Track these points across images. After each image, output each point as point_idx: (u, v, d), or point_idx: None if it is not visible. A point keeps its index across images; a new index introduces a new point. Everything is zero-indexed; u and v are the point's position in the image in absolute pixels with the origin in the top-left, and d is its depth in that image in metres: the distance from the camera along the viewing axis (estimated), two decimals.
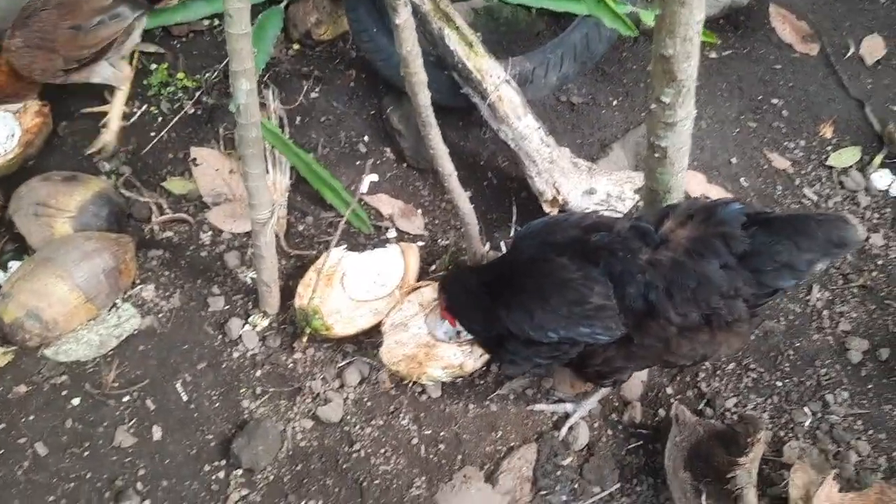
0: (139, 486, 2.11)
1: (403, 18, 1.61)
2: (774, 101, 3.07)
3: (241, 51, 1.84)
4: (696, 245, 1.69)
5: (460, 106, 2.75)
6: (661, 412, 2.30)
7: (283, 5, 3.09)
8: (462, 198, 2.15)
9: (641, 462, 2.20)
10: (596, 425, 2.26)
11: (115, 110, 2.83)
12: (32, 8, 2.55)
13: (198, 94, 3.04)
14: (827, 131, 2.97)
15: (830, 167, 2.87)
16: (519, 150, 2.50)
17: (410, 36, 1.66)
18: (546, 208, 2.47)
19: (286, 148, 2.72)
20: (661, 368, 2.27)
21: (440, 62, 2.70)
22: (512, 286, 1.90)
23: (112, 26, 2.59)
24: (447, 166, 2.01)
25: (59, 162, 2.87)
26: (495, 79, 2.52)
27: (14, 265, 2.56)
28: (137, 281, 2.53)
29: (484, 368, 2.33)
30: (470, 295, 2.00)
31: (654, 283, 1.71)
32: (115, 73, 2.75)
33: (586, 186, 2.44)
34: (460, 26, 2.58)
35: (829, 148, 2.92)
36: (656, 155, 1.83)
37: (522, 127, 2.50)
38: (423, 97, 1.81)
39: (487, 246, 2.48)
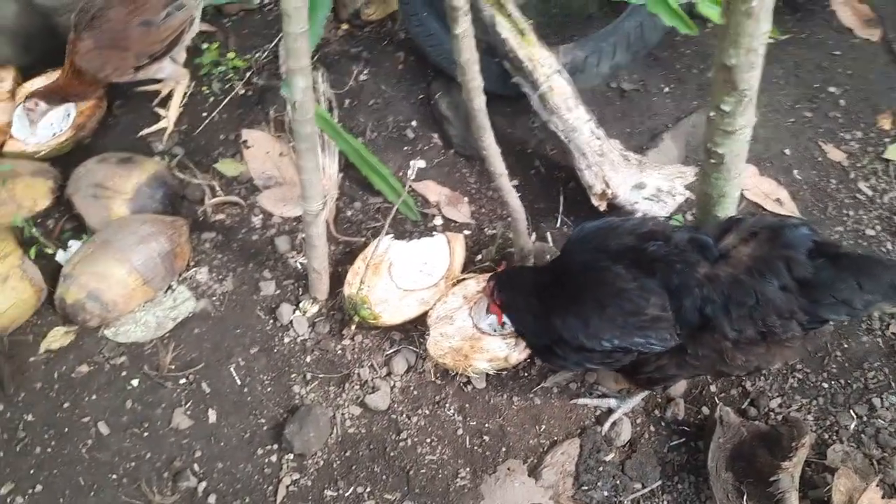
0: (196, 467, 2.20)
1: (463, 28, 1.61)
2: (832, 89, 2.99)
3: (298, 49, 1.85)
4: (758, 264, 1.68)
5: (509, 94, 2.73)
6: (705, 410, 2.31)
7: None
8: (512, 194, 2.16)
9: (683, 460, 2.22)
10: (639, 421, 2.28)
11: (175, 101, 2.88)
12: (95, 8, 2.54)
13: (248, 74, 3.07)
14: (885, 122, 2.89)
15: (887, 160, 2.79)
16: (569, 141, 2.49)
17: (469, 44, 1.65)
18: (595, 201, 2.46)
19: (336, 133, 2.73)
20: (715, 377, 2.28)
21: (490, 49, 2.67)
22: (567, 293, 1.91)
23: (180, 16, 2.60)
24: (499, 166, 2.02)
25: (114, 141, 2.94)
26: (547, 69, 2.49)
27: (73, 244, 2.65)
28: (192, 264, 2.60)
29: (528, 360, 2.36)
30: (523, 299, 2.02)
31: (712, 297, 1.72)
32: (177, 68, 2.78)
33: (636, 180, 2.42)
34: (512, 13, 2.55)
35: (887, 140, 2.84)
36: (712, 161, 1.81)
37: (573, 119, 2.48)
38: (479, 102, 1.81)
39: (534, 237, 2.48)
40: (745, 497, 2.10)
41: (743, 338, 1.77)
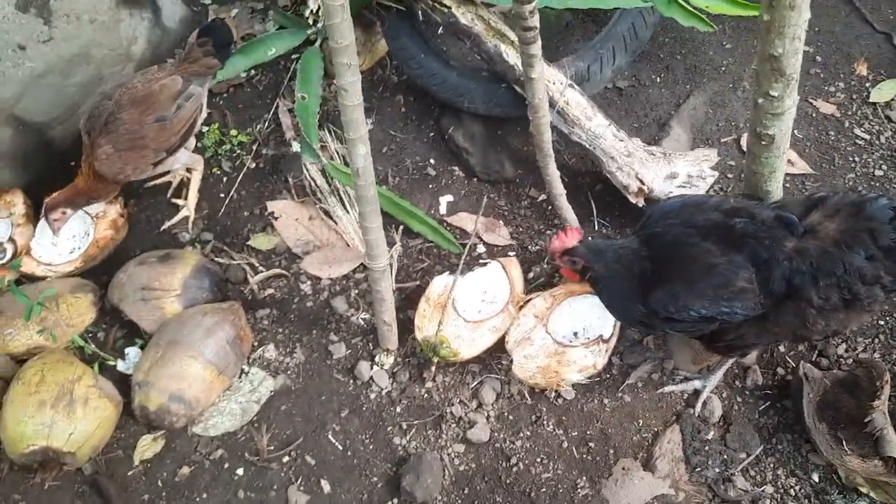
0: None
1: (538, 72, 1.70)
2: (806, 48, 3.15)
3: (356, 120, 1.91)
4: (844, 237, 1.83)
5: (520, 115, 2.83)
6: (780, 371, 2.44)
7: (317, 45, 3.14)
8: (569, 211, 2.27)
9: (775, 422, 2.35)
10: (724, 395, 2.40)
11: (193, 187, 2.89)
12: (107, 112, 2.54)
13: (255, 147, 3.09)
14: (862, 69, 3.09)
15: (874, 103, 2.99)
16: (594, 148, 2.60)
17: (542, 86, 1.75)
18: (632, 199, 2.57)
19: None
20: (791, 342, 2.40)
21: (496, 77, 2.78)
22: (657, 267, 2.01)
23: (190, 106, 2.62)
24: (558, 188, 2.12)
25: (139, 240, 2.93)
26: (559, 85, 2.60)
27: (130, 351, 2.64)
28: (256, 343, 2.62)
29: (607, 362, 2.45)
30: (614, 271, 2.09)
31: (801, 269, 1.84)
32: (191, 155, 2.80)
33: (667, 171, 2.55)
34: (515, 41, 2.65)
35: (868, 85, 3.04)
36: (763, 142, 1.94)
37: (594, 126, 2.59)
38: (548, 136, 1.91)
39: None
40: (843, 442, 2.23)
41: (828, 305, 1.90)
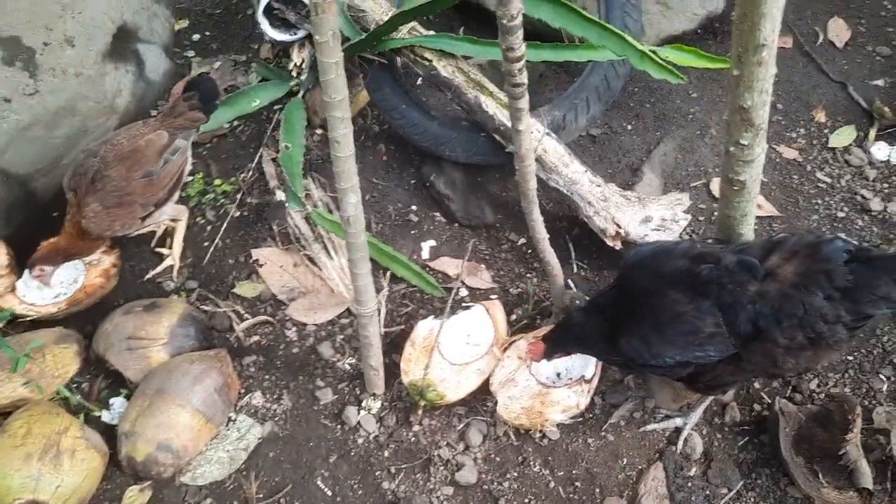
0: None
1: (525, 125, 1.79)
2: None
3: (347, 170, 1.98)
4: (802, 279, 1.92)
5: (499, 162, 2.94)
6: (757, 407, 2.52)
7: (300, 96, 3.23)
8: (552, 255, 2.34)
9: (754, 456, 2.42)
10: (705, 432, 2.46)
11: (178, 237, 2.93)
12: (93, 170, 2.56)
13: (239, 196, 3.15)
14: (820, 116, 3.26)
15: (833, 148, 3.15)
16: (572, 194, 2.70)
17: (528, 137, 1.84)
18: (609, 242, 2.67)
19: None
20: (766, 379, 2.49)
21: (475, 126, 2.88)
22: (629, 317, 2.09)
23: (177, 160, 2.67)
24: (541, 232, 2.20)
25: (122, 289, 2.94)
26: (537, 133, 2.71)
27: (115, 401, 2.63)
28: (242, 391, 2.64)
29: (590, 402, 2.51)
30: (589, 327, 2.18)
31: (764, 311, 1.93)
32: (175, 206, 2.84)
33: (642, 215, 2.65)
34: (494, 92, 2.77)
35: (827, 131, 3.21)
36: (735, 188, 2.04)
37: (571, 173, 2.69)
38: (533, 182, 1.99)
39: (571, 292, 2.65)
40: (819, 475, 2.30)
41: (794, 344, 1.99)
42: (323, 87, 1.84)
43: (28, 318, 2.77)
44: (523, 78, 1.65)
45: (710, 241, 2.25)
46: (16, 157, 2.95)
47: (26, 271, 2.70)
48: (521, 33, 1.59)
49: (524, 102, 1.73)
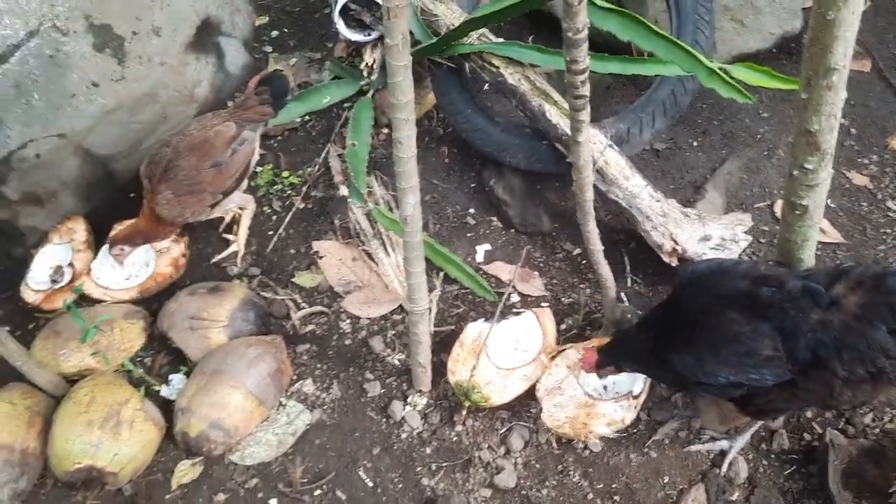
0: None
1: (585, 137, 1.81)
2: (841, 120, 3.25)
3: (408, 171, 2.03)
4: (865, 311, 1.88)
5: (559, 171, 2.95)
6: (807, 436, 2.47)
7: (370, 95, 3.31)
8: (605, 267, 2.34)
9: (800, 486, 2.37)
10: (750, 457, 2.43)
11: (244, 225, 3.03)
12: (165, 160, 2.70)
13: (304, 189, 3.24)
14: (895, 143, 3.16)
15: None
16: (631, 207, 2.69)
17: (587, 149, 1.86)
18: (666, 259, 2.65)
19: None
20: (820, 409, 2.44)
21: (537, 134, 2.90)
22: (684, 335, 2.08)
23: (244, 151, 2.78)
24: (596, 244, 2.21)
25: (190, 271, 3.06)
26: (599, 145, 2.71)
27: (174, 378, 2.75)
28: (294, 377, 2.72)
29: (635, 418, 2.50)
30: (641, 343, 2.19)
31: (825, 340, 1.90)
32: (243, 195, 2.95)
33: (701, 233, 2.63)
34: (558, 101, 2.78)
35: None
36: (797, 212, 2.02)
37: (632, 186, 2.69)
38: (590, 194, 2.01)
39: (623, 306, 2.65)
40: None
41: (853, 377, 1.94)
42: (390, 88, 1.89)
43: (102, 303, 2.91)
44: (585, 90, 1.67)
45: (771, 263, 2.22)
46: (99, 139, 3.10)
47: (101, 252, 2.84)
48: (585, 46, 1.61)
49: (585, 115, 1.75)
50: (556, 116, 2.75)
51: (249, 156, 2.83)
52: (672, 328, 2.15)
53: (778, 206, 2.99)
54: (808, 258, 2.19)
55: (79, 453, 2.35)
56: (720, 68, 2.41)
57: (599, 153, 2.70)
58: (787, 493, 2.36)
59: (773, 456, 2.43)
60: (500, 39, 2.90)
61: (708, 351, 2.05)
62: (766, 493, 2.34)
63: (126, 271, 2.96)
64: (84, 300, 2.91)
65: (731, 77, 2.39)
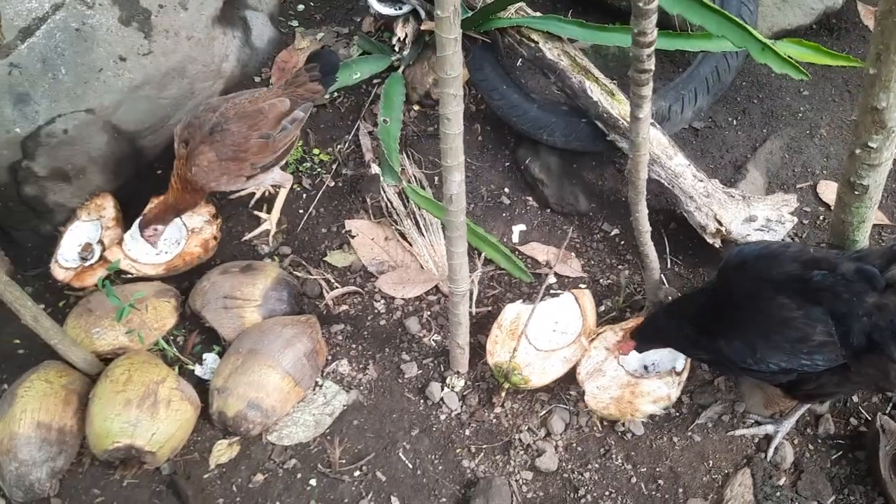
0: None
1: (645, 112, 1.75)
2: None
3: (455, 148, 1.98)
4: None
5: (598, 150, 2.89)
6: (853, 421, 2.42)
7: (400, 71, 3.24)
8: (651, 248, 2.29)
9: (847, 472, 2.33)
10: (796, 442, 2.39)
11: (278, 203, 2.98)
12: (210, 123, 2.62)
13: (335, 166, 3.19)
14: None
15: None
16: (673, 187, 2.63)
17: (646, 125, 1.80)
18: (709, 240, 2.59)
19: (440, 210, 2.86)
20: (873, 392, 2.39)
21: (576, 111, 2.84)
22: (732, 320, 2.04)
23: (293, 130, 2.71)
24: (645, 224, 2.16)
25: (218, 250, 3.02)
26: None
27: (208, 357, 2.72)
28: (329, 358, 2.68)
29: (677, 400, 2.46)
30: (683, 325, 2.14)
31: (880, 324, 1.85)
32: (282, 173, 2.89)
33: (746, 214, 2.57)
34: (599, 78, 2.71)
35: None
36: (856, 192, 1.96)
37: (674, 165, 2.62)
38: (644, 172, 1.95)
39: (665, 288, 2.60)
40: None
41: None
42: (439, 63, 1.83)
43: (126, 275, 2.87)
44: (650, 64, 1.61)
45: (822, 245, 2.16)
46: (127, 115, 3.05)
47: (135, 225, 2.80)
48: (654, 18, 1.55)
49: (648, 90, 1.69)
50: (598, 93, 2.69)
51: (296, 136, 2.77)
52: (720, 312, 2.10)
53: (822, 187, 2.93)
54: (863, 240, 2.14)
55: (117, 432, 2.32)
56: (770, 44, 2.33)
57: None
58: (833, 479, 2.32)
59: (819, 441, 2.39)
60: (538, 14, 2.83)
61: (758, 337, 2.00)
62: (813, 479, 2.31)
63: (157, 247, 2.92)
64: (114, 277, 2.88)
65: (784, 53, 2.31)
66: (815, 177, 2.97)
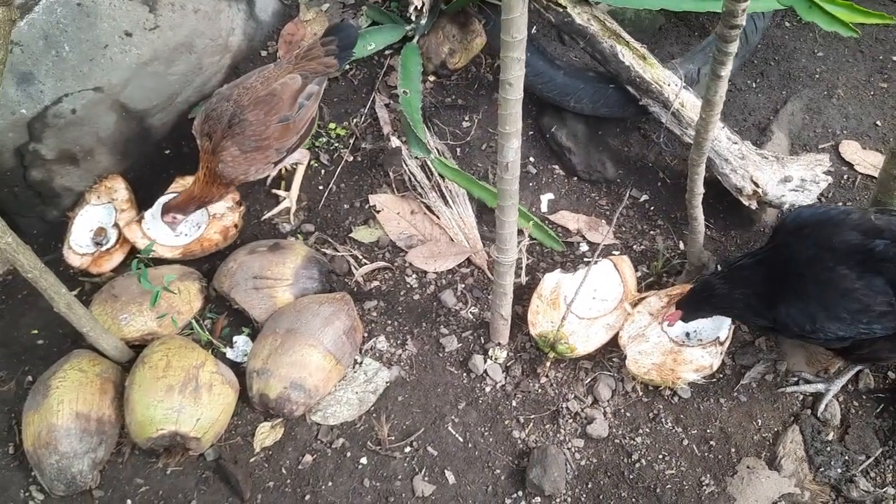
0: None
1: (727, 70, 1.73)
2: (895, 57, 3.21)
3: (514, 114, 1.93)
4: None
5: (626, 115, 2.87)
6: (891, 375, 2.47)
7: (415, 41, 3.17)
8: (700, 211, 2.29)
9: (890, 424, 2.38)
10: (840, 399, 2.42)
11: (297, 180, 2.90)
12: (228, 115, 2.51)
13: (352, 141, 3.11)
14: None
15: None
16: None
17: (725, 84, 1.78)
18: (745, 202, 2.60)
19: (470, 182, 2.83)
20: None
21: (603, 77, 2.80)
22: (790, 288, 2.04)
23: (311, 105, 2.62)
24: (700, 186, 2.15)
25: (239, 228, 2.93)
26: (674, 87, 2.63)
27: (238, 339, 2.65)
28: (366, 335, 2.63)
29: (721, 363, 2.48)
30: (738, 292, 2.14)
31: None
32: (302, 150, 2.80)
33: (781, 175, 2.58)
34: (630, 42, 2.68)
35: None
36: None
37: None
38: (713, 132, 1.93)
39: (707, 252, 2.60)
40: None
41: None
42: (504, 25, 1.77)
43: (138, 254, 2.77)
44: (742, 20, 1.58)
45: (882, 214, 2.14)
46: (135, 93, 2.93)
47: (157, 204, 2.70)
48: None
49: (734, 46, 1.66)
50: (629, 58, 2.66)
51: (315, 111, 2.68)
52: (779, 281, 2.09)
53: (843, 147, 2.95)
54: None
55: (161, 419, 2.25)
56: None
57: (675, 95, 2.61)
58: (878, 432, 2.37)
59: (863, 396, 2.42)
60: None
61: (818, 307, 2.01)
62: (860, 433, 2.34)
63: (177, 230, 2.82)
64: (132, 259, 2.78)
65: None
66: (836, 137, 2.99)
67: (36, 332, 2.70)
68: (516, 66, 1.84)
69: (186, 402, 2.28)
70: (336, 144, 3.11)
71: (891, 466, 2.30)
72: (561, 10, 2.74)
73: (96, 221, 2.90)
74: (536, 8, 2.81)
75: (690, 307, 2.31)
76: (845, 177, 2.89)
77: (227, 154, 2.50)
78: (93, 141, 2.92)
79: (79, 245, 2.83)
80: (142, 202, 2.92)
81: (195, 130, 2.61)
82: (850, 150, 2.94)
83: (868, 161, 2.91)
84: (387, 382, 2.51)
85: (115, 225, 2.85)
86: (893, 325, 1.97)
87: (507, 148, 2.01)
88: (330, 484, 2.31)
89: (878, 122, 3.02)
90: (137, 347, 2.53)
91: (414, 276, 2.78)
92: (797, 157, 2.63)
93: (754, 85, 3.14)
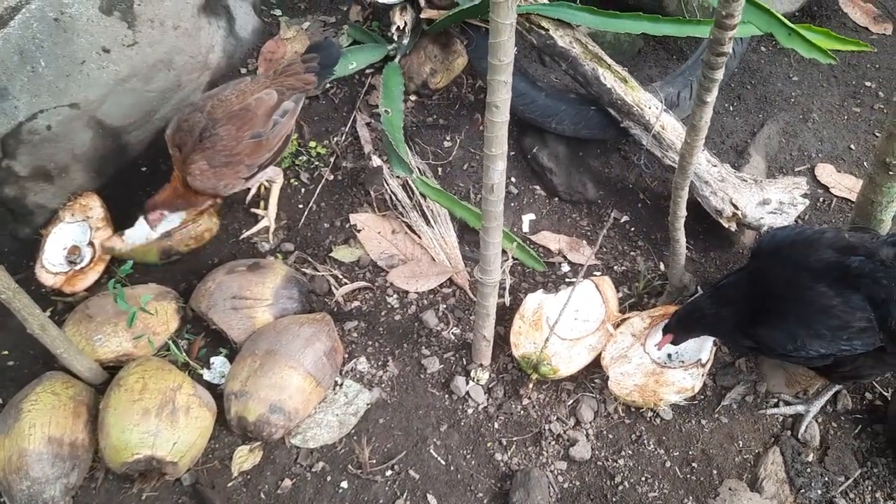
0: None
1: (713, 97, 1.74)
2: (868, 83, 3.29)
3: (500, 136, 1.93)
4: None
5: (607, 137, 2.89)
6: (868, 395, 2.49)
7: (397, 60, 3.17)
8: (682, 233, 2.30)
9: (868, 445, 2.40)
10: (820, 420, 2.44)
11: (273, 198, 2.86)
12: (200, 127, 2.48)
13: (332, 159, 3.09)
14: None
15: None
16: None
17: (710, 110, 1.79)
18: (724, 224, 2.63)
19: (452, 202, 2.82)
20: None
21: (584, 99, 2.83)
22: (769, 308, 2.06)
23: (286, 122, 2.60)
24: (683, 209, 2.16)
25: (216, 248, 2.90)
26: (654, 109, 2.66)
27: (216, 360, 2.60)
28: (346, 356, 2.60)
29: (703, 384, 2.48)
30: (723, 314, 2.15)
31: None
32: (273, 167, 2.77)
33: (759, 198, 2.61)
34: (612, 65, 2.71)
35: None
36: (890, 172, 2.00)
37: None
38: (696, 157, 1.94)
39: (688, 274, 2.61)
40: None
41: None
42: (492, 49, 1.78)
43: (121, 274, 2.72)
44: (728, 48, 1.60)
45: (853, 231, 2.19)
46: (112, 109, 2.89)
47: (140, 219, 2.65)
48: (743, 1, 1.53)
49: (720, 73, 1.68)
50: (611, 80, 2.68)
51: (290, 128, 2.66)
52: (758, 301, 2.11)
53: (819, 170, 3.00)
54: (888, 219, 2.19)
55: (137, 443, 2.19)
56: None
57: (655, 117, 2.64)
58: (857, 453, 2.38)
59: (841, 417, 2.45)
60: (547, 0, 2.80)
61: (799, 326, 2.03)
62: (840, 454, 2.36)
63: (156, 233, 2.75)
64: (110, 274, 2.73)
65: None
66: (812, 160, 3.05)
67: (6, 353, 2.63)
68: (503, 90, 1.85)
69: (163, 425, 2.23)
70: (316, 163, 3.09)
71: (869, 487, 2.31)
72: (543, 32, 2.76)
73: (70, 239, 2.84)
74: (519, 30, 2.83)
75: (680, 329, 2.31)
76: (821, 199, 2.94)
77: (196, 168, 2.48)
78: (68, 158, 2.87)
79: (52, 264, 2.77)
80: (117, 220, 2.87)
81: (167, 139, 2.58)
82: (826, 173, 2.99)
83: (843, 184, 2.96)
84: (368, 404, 2.48)
85: (91, 243, 2.80)
86: (873, 342, 1.99)
87: (492, 169, 2.01)
88: None
89: (852, 146, 3.08)
90: (112, 369, 2.47)
91: (395, 296, 2.76)
92: (775, 179, 2.66)
93: (731, 108, 3.18)
